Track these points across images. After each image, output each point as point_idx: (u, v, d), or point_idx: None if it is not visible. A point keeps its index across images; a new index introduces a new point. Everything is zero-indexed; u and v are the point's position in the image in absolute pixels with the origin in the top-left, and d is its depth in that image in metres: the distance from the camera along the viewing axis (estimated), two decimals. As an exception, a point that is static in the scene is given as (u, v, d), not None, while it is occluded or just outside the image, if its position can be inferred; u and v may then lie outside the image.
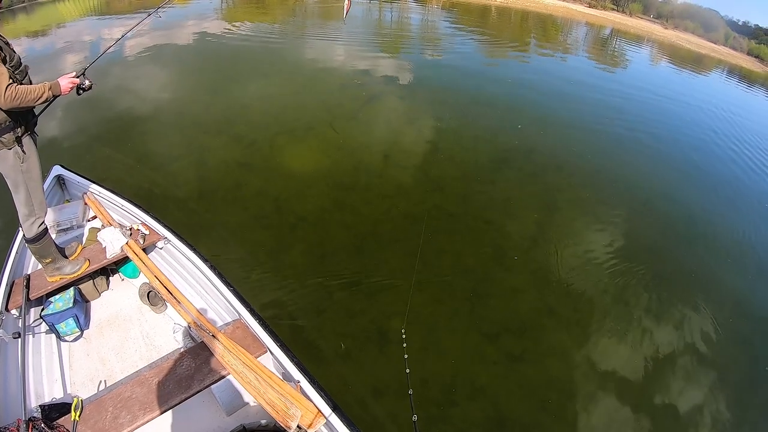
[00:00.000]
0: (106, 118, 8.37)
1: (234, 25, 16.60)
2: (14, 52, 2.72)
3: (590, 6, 58.20)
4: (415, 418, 2.25)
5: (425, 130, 9.25)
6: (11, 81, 2.53)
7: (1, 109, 2.63)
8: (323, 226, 5.89)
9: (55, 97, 2.82)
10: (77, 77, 2.98)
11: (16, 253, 3.52)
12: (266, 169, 7.11)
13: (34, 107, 2.87)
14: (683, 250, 6.80)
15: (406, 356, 2.67)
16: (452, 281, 5.28)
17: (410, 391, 2.37)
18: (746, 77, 34.75)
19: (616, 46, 33.37)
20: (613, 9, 62.49)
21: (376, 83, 11.80)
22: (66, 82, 2.87)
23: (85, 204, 4.23)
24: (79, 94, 3.09)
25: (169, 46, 13.25)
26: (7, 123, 2.72)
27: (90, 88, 3.10)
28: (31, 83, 2.83)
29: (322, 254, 5.39)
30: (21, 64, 2.76)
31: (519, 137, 9.69)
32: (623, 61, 25.24)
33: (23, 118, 2.85)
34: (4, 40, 2.62)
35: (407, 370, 2.55)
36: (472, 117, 10.40)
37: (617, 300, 5.46)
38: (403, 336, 2.96)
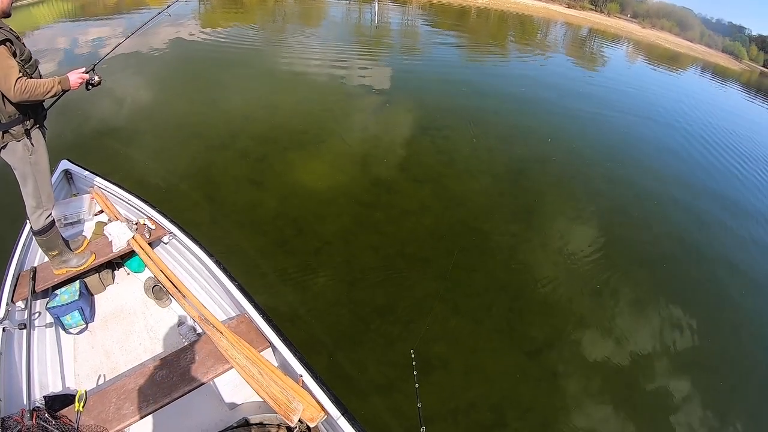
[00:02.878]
0: (90, 133, 7.59)
1: (216, 30, 16.15)
2: (25, 46, 2.74)
3: (569, 6, 58.72)
4: (423, 430, 2.27)
5: (438, 140, 9.08)
6: (21, 74, 2.56)
7: (11, 102, 2.66)
8: (348, 249, 5.58)
9: (64, 91, 2.85)
10: (87, 73, 3.00)
11: (23, 245, 3.54)
12: (280, 188, 6.67)
13: (43, 101, 2.90)
14: (695, 259, 6.85)
15: (415, 372, 2.68)
16: (488, 300, 5.16)
17: (419, 404, 2.40)
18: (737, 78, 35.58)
19: (602, 47, 34.12)
20: (592, 9, 63.53)
21: (379, 91, 11.56)
22: (75, 78, 2.89)
23: (92, 198, 4.25)
24: (88, 90, 3.11)
25: (153, 53, 12.47)
26: (17, 116, 2.74)
27: (99, 83, 3.12)
28: (41, 77, 2.85)
29: (351, 280, 5.12)
30: (31, 57, 2.79)
31: (531, 146, 9.67)
32: (612, 63, 26.32)
33: (33, 111, 2.88)
34: (14, 34, 2.64)
35: (416, 385, 2.56)
36: (483, 126, 10.28)
37: (646, 309, 5.51)
38: (413, 355, 2.96)
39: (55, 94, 2.77)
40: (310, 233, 5.74)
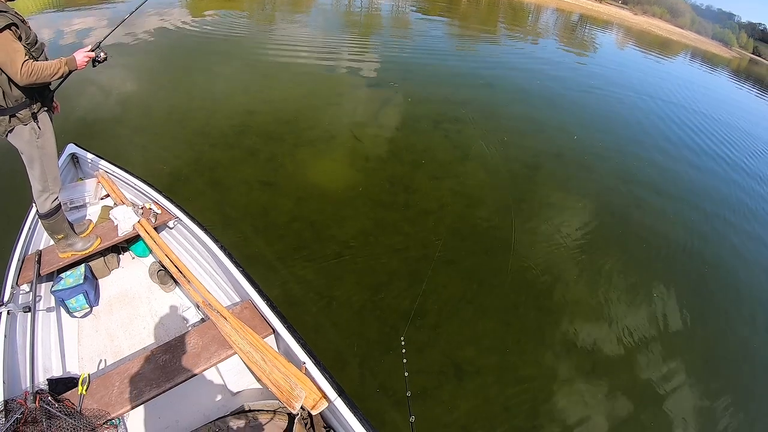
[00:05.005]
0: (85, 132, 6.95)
1: (206, 18, 15.18)
2: (30, 29, 2.72)
3: (560, -8, 57.89)
4: (412, 419, 2.26)
5: (451, 135, 8.79)
6: (27, 57, 2.54)
7: (18, 86, 2.65)
8: (370, 253, 5.34)
9: (71, 71, 2.83)
10: (92, 51, 2.98)
11: (29, 228, 3.54)
12: (294, 189, 6.30)
13: (50, 83, 2.88)
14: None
15: (405, 360, 2.66)
16: (515, 300, 5.04)
17: (408, 393, 2.38)
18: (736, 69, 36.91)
19: (599, 34, 34.53)
20: (584, -6, 62.87)
21: (384, 83, 11.15)
22: (81, 57, 2.86)
23: (98, 182, 4.25)
24: (94, 66, 3.08)
25: (142, 43, 11.74)
26: (23, 99, 2.73)
27: (105, 60, 3.08)
28: (47, 60, 2.83)
29: (376, 285, 4.91)
30: (37, 41, 2.77)
31: (543, 139, 9.52)
32: (615, 51, 26.94)
33: (39, 95, 2.86)
34: (20, 18, 2.62)
35: (406, 374, 2.55)
36: (494, 119, 10.08)
37: (676, 308, 5.52)
38: (402, 342, 2.94)
39: (62, 75, 2.75)
40: (328, 237, 5.49)
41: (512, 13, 35.81)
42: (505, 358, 4.38)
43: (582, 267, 5.77)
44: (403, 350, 2.75)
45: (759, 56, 66.51)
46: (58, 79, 2.77)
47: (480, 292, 5.08)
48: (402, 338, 3.04)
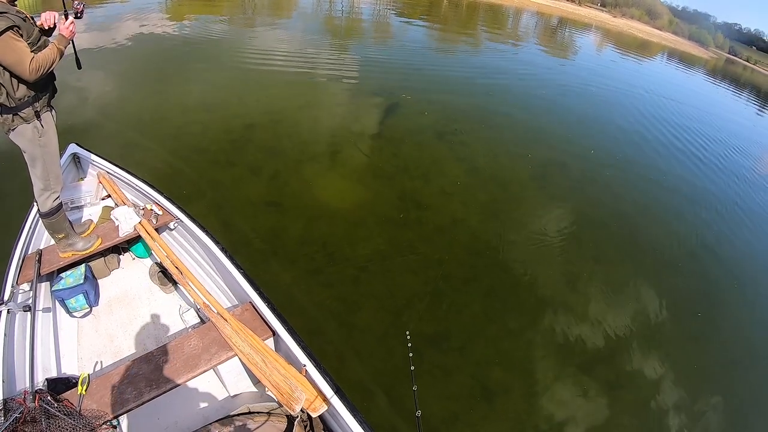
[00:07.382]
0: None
1: (189, 25, 14.37)
2: (34, 26, 2.72)
3: (540, -5, 57.94)
4: (419, 413, 2.26)
5: (455, 146, 8.61)
6: (32, 55, 2.56)
7: (24, 85, 2.66)
8: (387, 274, 5.18)
9: (65, 47, 2.82)
10: (68, 16, 2.85)
11: (30, 228, 3.53)
12: (302, 209, 6.00)
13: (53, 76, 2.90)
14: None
15: (411, 354, 2.66)
16: (536, 317, 5.01)
17: (414, 388, 2.37)
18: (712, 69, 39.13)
19: (585, 38, 35.56)
20: (563, -3, 63.15)
21: (384, 92, 10.81)
22: (64, 30, 2.79)
23: (100, 182, 4.25)
24: (79, 18, 2.98)
25: (124, 51, 11.05)
26: (27, 98, 2.73)
27: (83, 10, 2.97)
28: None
29: (397, 309, 4.75)
30: (40, 38, 2.77)
31: (550, 149, 9.47)
32: (603, 54, 28.20)
33: (42, 92, 2.86)
34: (21, 17, 2.62)
35: (412, 367, 2.54)
36: (497, 129, 10.04)
37: (694, 318, 5.67)
38: (408, 336, 2.94)
39: (62, 55, 2.78)
40: (343, 260, 5.29)
41: (492, 16, 35.85)
42: (533, 376, 4.35)
43: (601, 279, 5.81)
44: (409, 344, 2.74)
45: (735, 56, 67.95)
46: (59, 61, 2.78)
47: (501, 310, 5.03)
48: (407, 333, 3.04)
